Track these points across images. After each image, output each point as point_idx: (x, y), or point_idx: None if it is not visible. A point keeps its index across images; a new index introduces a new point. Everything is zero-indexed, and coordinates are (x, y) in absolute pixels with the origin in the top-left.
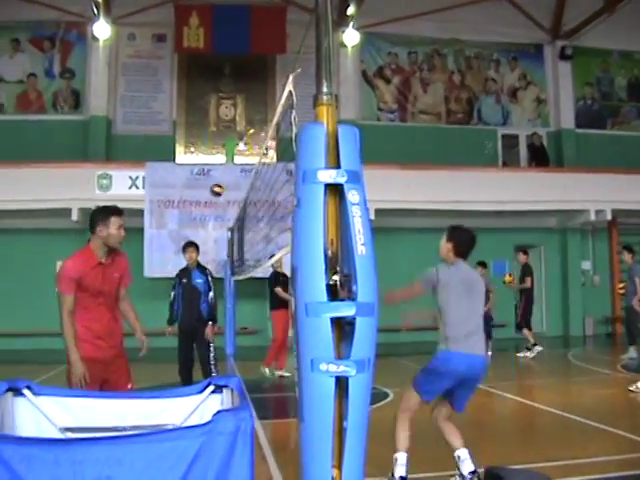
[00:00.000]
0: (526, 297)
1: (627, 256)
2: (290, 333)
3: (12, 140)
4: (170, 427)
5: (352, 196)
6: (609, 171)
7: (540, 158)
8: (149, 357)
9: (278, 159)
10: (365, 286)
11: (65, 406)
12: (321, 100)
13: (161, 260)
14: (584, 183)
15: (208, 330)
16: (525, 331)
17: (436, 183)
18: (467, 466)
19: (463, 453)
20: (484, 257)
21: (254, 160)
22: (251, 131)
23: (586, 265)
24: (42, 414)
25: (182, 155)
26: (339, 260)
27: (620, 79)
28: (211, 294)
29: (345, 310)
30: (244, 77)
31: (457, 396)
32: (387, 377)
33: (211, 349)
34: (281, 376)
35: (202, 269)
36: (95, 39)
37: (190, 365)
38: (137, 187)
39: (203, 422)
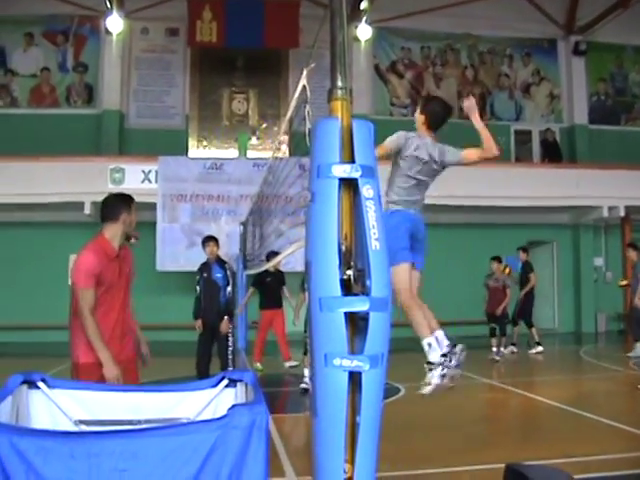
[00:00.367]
0: (526, 294)
1: (632, 253)
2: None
3: (25, 134)
4: (184, 421)
5: (366, 191)
6: (622, 167)
7: (553, 154)
8: (160, 351)
9: (291, 154)
10: (379, 281)
11: (79, 399)
12: (336, 94)
13: (173, 254)
14: (597, 179)
15: (223, 324)
16: (532, 330)
17: (448, 178)
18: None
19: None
20: (496, 252)
21: (267, 154)
22: (264, 125)
23: (599, 261)
24: (57, 407)
25: (195, 149)
26: (353, 255)
27: (634, 75)
28: (229, 288)
29: (359, 305)
30: (257, 71)
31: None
32: (399, 372)
33: (229, 343)
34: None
35: (222, 263)
36: (108, 33)
37: (208, 359)
38: (150, 181)
39: (217, 416)
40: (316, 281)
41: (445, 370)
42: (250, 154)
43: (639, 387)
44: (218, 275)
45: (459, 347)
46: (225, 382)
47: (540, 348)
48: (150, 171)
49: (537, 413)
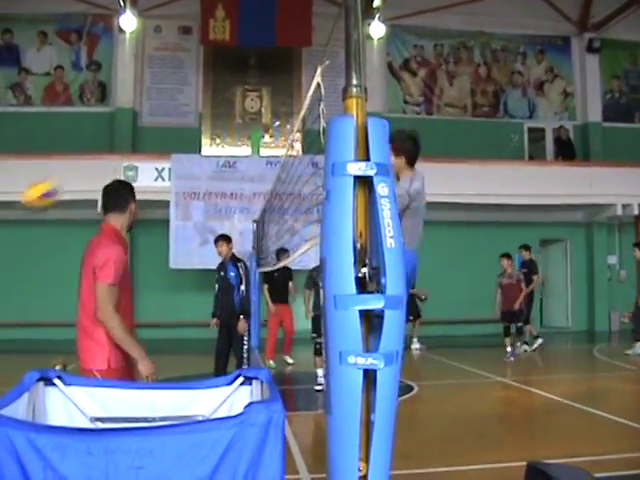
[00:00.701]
0: (529, 292)
1: (638, 253)
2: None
3: (39, 132)
4: (199, 418)
5: (381, 189)
6: (636, 165)
7: (567, 152)
8: (173, 348)
9: (304, 151)
10: (394, 279)
11: (95, 396)
12: (350, 92)
13: (186, 252)
14: (611, 177)
15: (240, 325)
16: (528, 326)
17: (462, 176)
18: None
19: None
20: (510, 250)
21: (279, 152)
22: (277, 123)
23: (612, 260)
24: (73, 404)
25: (208, 147)
26: (368, 253)
27: None
28: (242, 287)
29: (374, 303)
30: (270, 69)
31: None
32: (412, 370)
33: (244, 342)
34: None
35: (235, 261)
36: (121, 31)
37: (225, 357)
38: (163, 179)
39: (232, 414)
40: (331, 279)
41: None
42: (263, 152)
43: None
44: (232, 274)
45: None
46: (240, 380)
47: (540, 340)
48: (163, 169)
49: (551, 411)
